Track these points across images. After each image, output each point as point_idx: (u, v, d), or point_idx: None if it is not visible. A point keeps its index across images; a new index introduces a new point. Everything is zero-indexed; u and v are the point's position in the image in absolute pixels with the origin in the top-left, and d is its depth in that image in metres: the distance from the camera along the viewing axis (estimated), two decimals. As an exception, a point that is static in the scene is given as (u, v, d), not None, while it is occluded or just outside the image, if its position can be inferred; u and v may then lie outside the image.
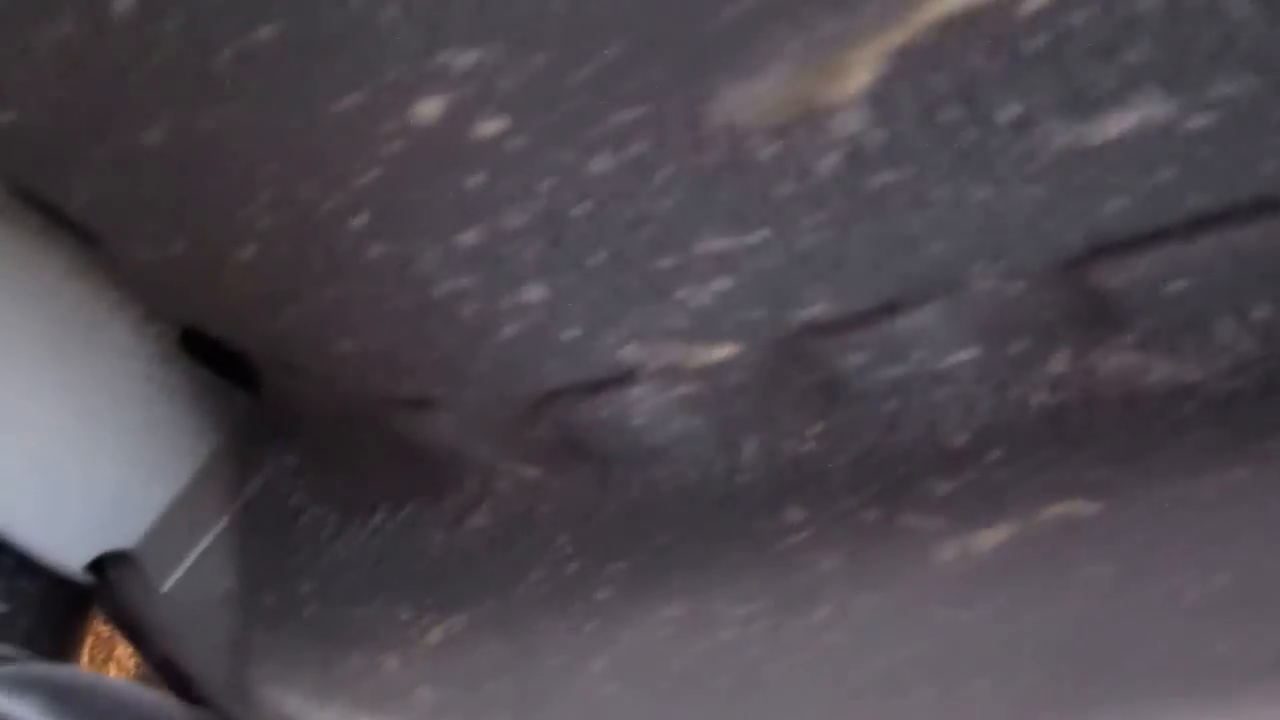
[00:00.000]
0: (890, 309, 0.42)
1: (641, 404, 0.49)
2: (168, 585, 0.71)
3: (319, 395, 0.62)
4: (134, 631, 0.75)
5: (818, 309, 0.42)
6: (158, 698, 0.70)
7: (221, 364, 0.71)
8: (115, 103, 0.43)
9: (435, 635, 0.57)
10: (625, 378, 0.48)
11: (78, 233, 0.58)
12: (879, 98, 0.35)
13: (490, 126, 0.38)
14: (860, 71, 0.34)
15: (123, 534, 0.72)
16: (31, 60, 0.42)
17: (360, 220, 0.44)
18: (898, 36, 0.34)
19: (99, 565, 0.73)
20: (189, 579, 0.71)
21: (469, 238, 0.43)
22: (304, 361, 0.57)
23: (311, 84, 0.39)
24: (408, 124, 0.39)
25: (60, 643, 0.79)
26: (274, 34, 0.38)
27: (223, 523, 0.71)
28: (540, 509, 0.56)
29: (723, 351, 0.46)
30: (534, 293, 0.44)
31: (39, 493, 0.70)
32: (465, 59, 0.36)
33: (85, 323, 0.68)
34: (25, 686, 0.66)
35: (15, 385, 0.68)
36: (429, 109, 0.38)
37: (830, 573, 0.47)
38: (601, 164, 0.39)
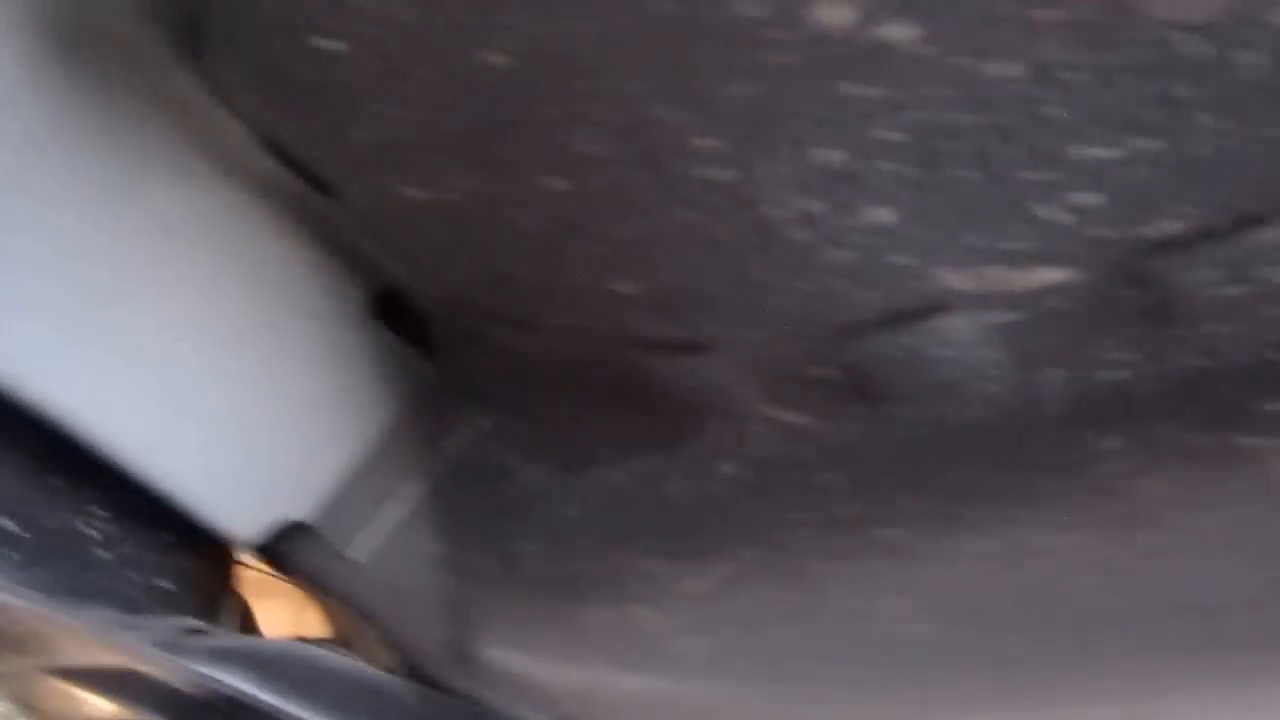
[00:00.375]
0: (1253, 221, 0.42)
1: (945, 335, 0.48)
2: (353, 553, 0.70)
3: (540, 348, 0.61)
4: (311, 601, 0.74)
5: (1177, 223, 0.42)
6: (355, 663, 0.68)
7: (408, 331, 0.70)
8: (459, 21, 0.42)
9: (694, 585, 0.57)
10: (937, 307, 0.47)
11: (315, 182, 0.57)
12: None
13: (899, 30, 0.38)
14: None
15: (302, 502, 0.71)
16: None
17: (709, 141, 0.43)
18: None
19: (271, 536, 0.72)
20: (381, 547, 0.69)
21: (829, 155, 0.42)
22: (553, 310, 0.56)
23: (703, -10, 0.38)
24: (806, 29, 0.38)
25: (214, 617, 0.78)
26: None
27: (412, 489, 0.70)
28: (799, 452, 0.55)
29: (1054, 274, 0.45)
30: (879, 214, 0.44)
31: (220, 459, 0.69)
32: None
33: (280, 287, 0.67)
34: (230, 658, 0.65)
35: (206, 351, 0.66)
36: (837, 11, 0.38)
37: (1158, 498, 0.47)
38: (1002, 69, 0.38)
